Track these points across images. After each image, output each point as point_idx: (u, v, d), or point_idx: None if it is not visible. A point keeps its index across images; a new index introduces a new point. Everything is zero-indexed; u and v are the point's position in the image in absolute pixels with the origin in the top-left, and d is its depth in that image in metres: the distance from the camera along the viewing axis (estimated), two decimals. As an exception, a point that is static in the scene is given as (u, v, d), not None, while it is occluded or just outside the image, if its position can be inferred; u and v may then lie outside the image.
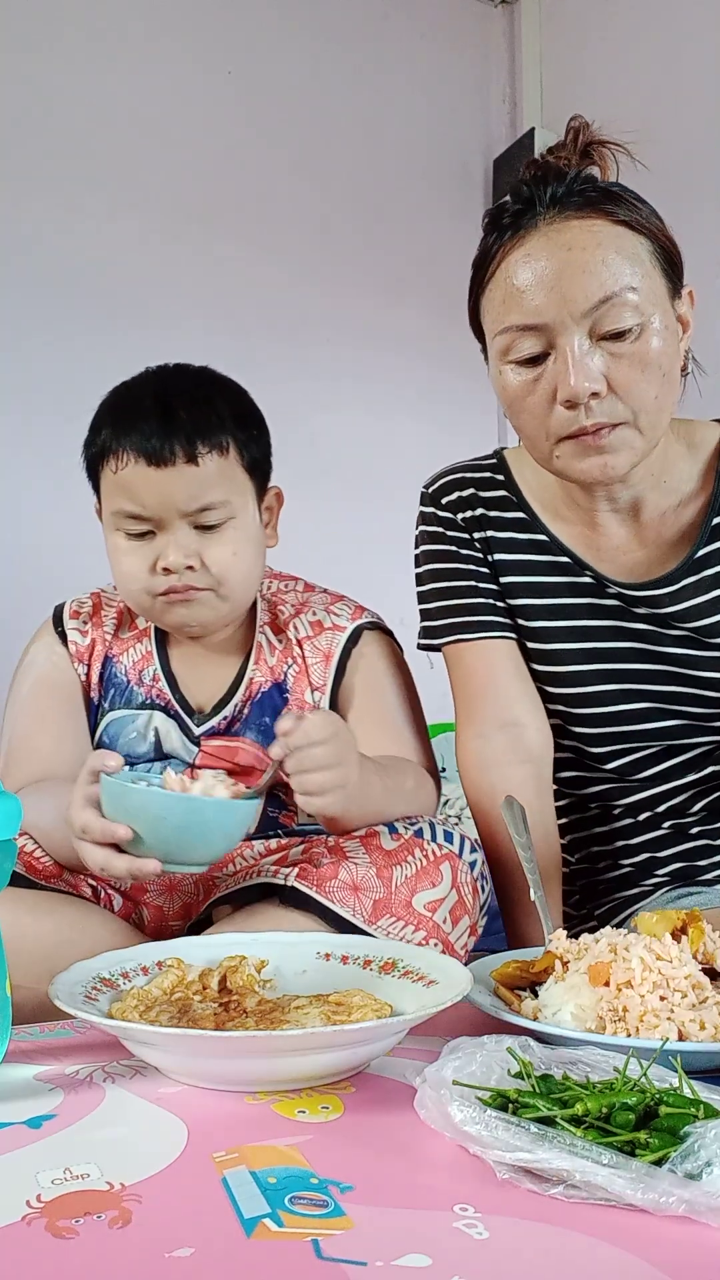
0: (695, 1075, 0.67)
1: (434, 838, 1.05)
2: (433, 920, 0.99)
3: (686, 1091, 0.62)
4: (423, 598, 1.27)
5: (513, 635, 1.22)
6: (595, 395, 1.01)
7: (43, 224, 2.59)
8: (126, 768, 0.98)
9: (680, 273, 1.08)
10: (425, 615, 1.26)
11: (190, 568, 1.10)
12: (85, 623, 1.25)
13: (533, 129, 3.12)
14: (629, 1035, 0.75)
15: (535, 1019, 0.79)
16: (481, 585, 1.22)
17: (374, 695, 1.20)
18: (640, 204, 1.05)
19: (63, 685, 1.23)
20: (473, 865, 1.06)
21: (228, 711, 1.21)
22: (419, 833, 1.05)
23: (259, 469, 1.17)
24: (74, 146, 2.64)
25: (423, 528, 1.27)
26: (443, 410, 3.09)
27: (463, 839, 1.07)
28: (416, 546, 1.28)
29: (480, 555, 1.23)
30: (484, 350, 1.12)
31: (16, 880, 1.01)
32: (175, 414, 1.09)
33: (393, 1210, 0.55)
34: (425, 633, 1.26)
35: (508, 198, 1.07)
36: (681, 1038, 0.74)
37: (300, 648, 1.22)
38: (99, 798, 0.92)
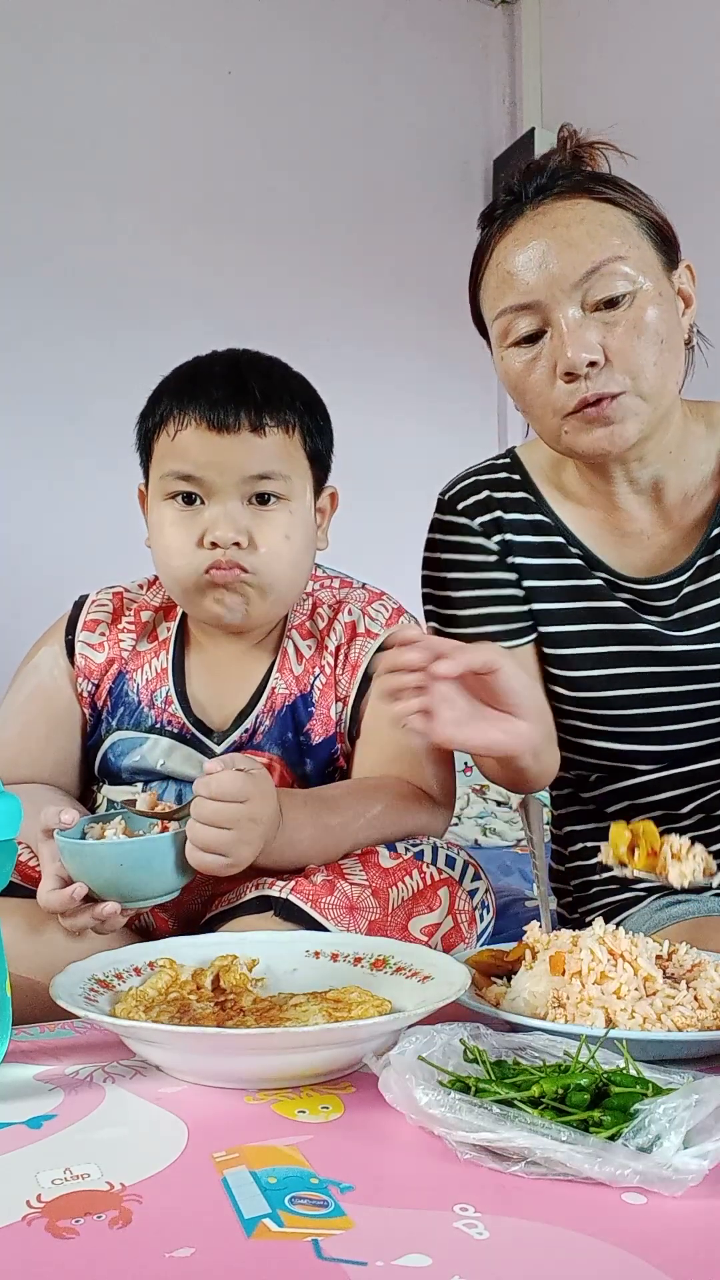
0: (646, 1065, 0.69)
1: (434, 861, 1.02)
2: (428, 945, 0.97)
3: (632, 1072, 0.66)
4: (447, 603, 1.22)
5: (534, 637, 1.20)
6: (593, 365, 1.02)
7: (42, 224, 2.59)
8: (85, 816, 0.99)
9: (675, 248, 1.09)
10: (452, 621, 1.21)
11: (238, 544, 1.06)
12: (102, 634, 1.21)
13: (533, 129, 3.12)
14: (566, 1021, 0.78)
15: (497, 1005, 0.82)
16: (505, 592, 1.19)
17: (389, 713, 1.11)
18: (625, 186, 1.07)
19: (56, 702, 1.20)
20: (472, 894, 1.04)
21: (249, 724, 1.16)
22: (419, 855, 1.02)
23: (319, 461, 1.15)
24: (74, 146, 2.64)
25: (440, 536, 1.23)
26: (443, 410, 3.09)
27: (465, 865, 1.05)
28: (432, 551, 1.24)
29: (500, 558, 1.20)
30: (488, 342, 1.13)
31: (14, 890, 1.00)
32: (246, 383, 1.08)
33: (393, 1210, 0.55)
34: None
35: (500, 195, 1.10)
36: (611, 1025, 0.77)
37: (333, 656, 1.17)
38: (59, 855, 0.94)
